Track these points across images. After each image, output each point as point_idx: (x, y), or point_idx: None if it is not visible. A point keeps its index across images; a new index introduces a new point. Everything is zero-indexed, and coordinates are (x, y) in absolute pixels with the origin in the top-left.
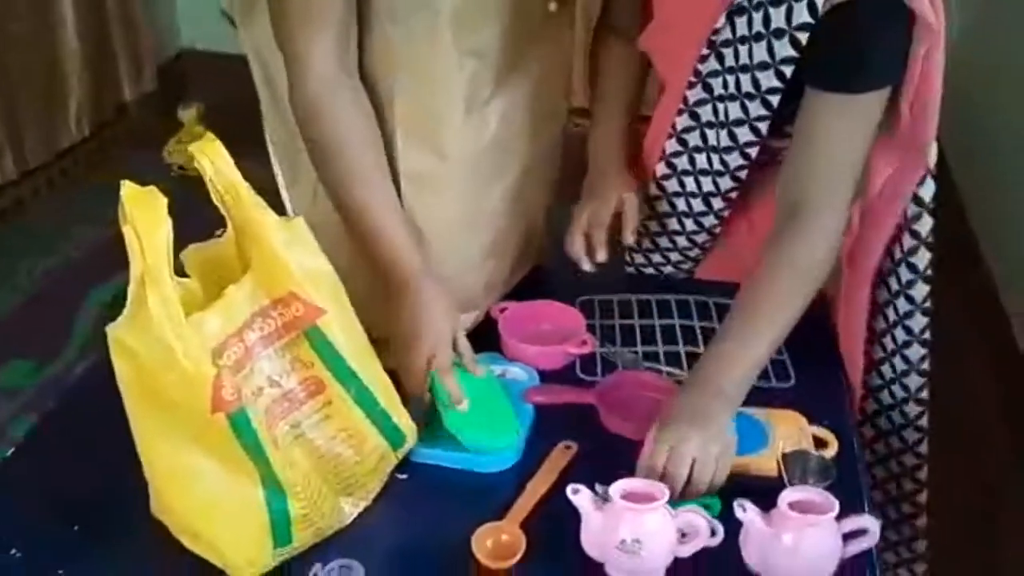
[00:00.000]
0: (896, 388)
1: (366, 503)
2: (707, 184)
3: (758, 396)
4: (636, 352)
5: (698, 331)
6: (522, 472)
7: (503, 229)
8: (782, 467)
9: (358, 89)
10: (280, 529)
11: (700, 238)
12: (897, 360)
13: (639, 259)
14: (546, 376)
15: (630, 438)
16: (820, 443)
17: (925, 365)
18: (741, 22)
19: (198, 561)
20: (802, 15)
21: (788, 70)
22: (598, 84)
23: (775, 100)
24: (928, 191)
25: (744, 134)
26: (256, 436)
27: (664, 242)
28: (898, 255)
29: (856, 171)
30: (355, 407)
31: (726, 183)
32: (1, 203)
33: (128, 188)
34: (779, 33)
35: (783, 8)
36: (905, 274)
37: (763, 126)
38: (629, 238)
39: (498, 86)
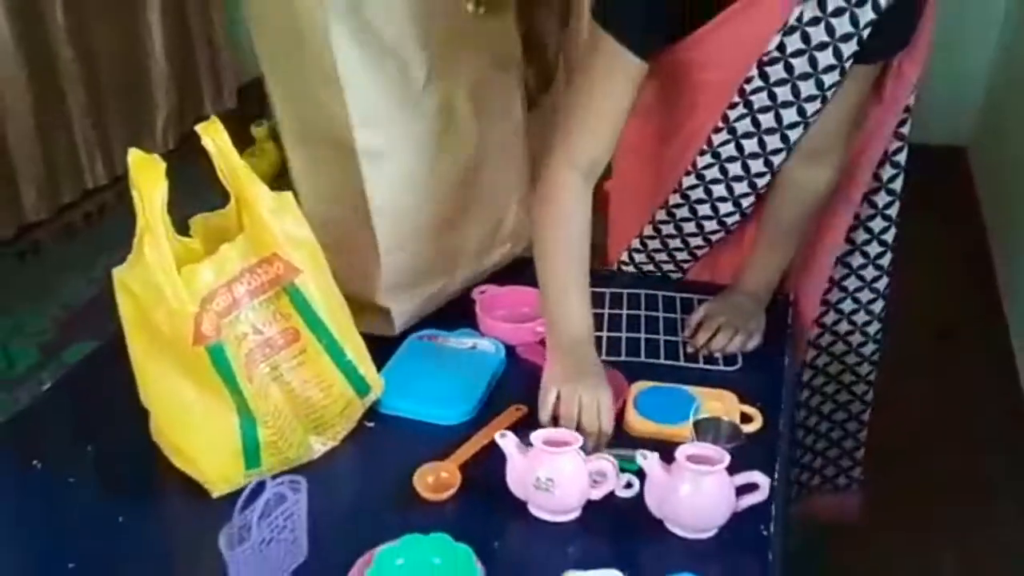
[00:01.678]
0: (857, 315)
1: (334, 443)
2: (740, 187)
3: (703, 377)
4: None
5: (662, 322)
6: (476, 426)
7: (459, 202)
8: (693, 432)
9: (590, 199)
10: (251, 453)
11: (716, 236)
12: (858, 286)
13: (640, 258)
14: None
15: None
16: (747, 419)
17: (879, 285)
18: (792, 39)
19: (183, 477)
20: (867, 15)
21: (848, 64)
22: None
23: (831, 93)
24: (906, 128)
25: (797, 132)
26: (231, 368)
27: (675, 243)
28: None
29: (853, 119)
30: (326, 356)
31: (765, 179)
32: (90, 206)
33: (134, 155)
34: (846, 37)
35: (846, 16)
36: (883, 198)
37: (817, 114)
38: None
39: (431, 77)
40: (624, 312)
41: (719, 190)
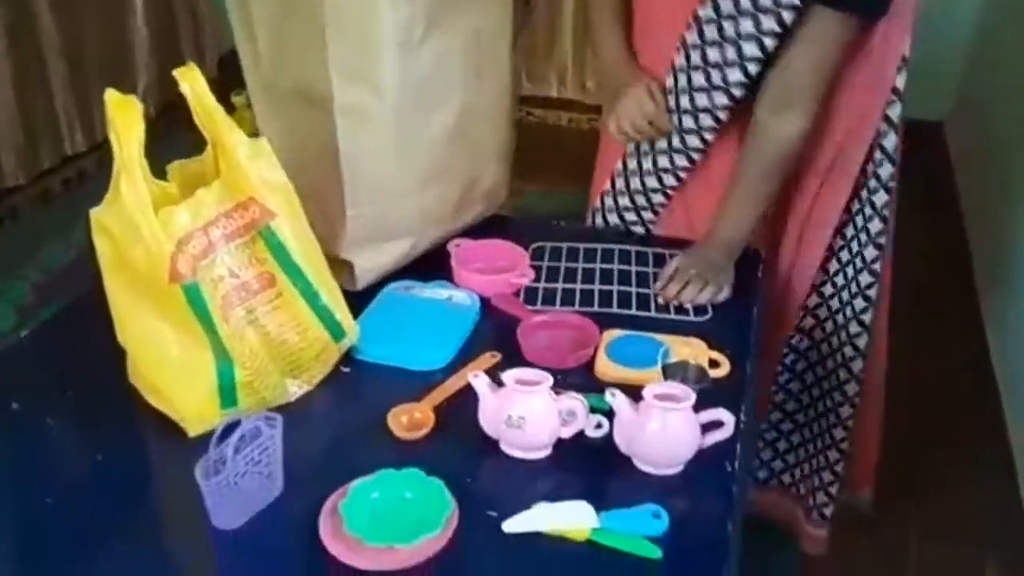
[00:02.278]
0: (845, 292)
1: (309, 387)
2: (706, 120)
3: (674, 327)
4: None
5: (634, 275)
6: (451, 373)
7: (442, 160)
8: (662, 375)
9: None
10: (227, 392)
11: (669, 180)
12: (854, 259)
13: (608, 203)
14: (488, 302)
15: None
16: (715, 365)
17: (877, 265)
18: None
19: (160, 417)
20: None
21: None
22: (593, 13)
23: (768, 41)
24: (895, 112)
25: (734, 74)
26: (207, 307)
27: (635, 184)
28: (869, 170)
29: (831, 72)
30: (301, 300)
31: (723, 115)
32: (69, 172)
33: (110, 95)
34: None
35: None
36: (872, 183)
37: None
38: (662, 116)
39: (431, 27)
40: (598, 266)
41: (687, 121)
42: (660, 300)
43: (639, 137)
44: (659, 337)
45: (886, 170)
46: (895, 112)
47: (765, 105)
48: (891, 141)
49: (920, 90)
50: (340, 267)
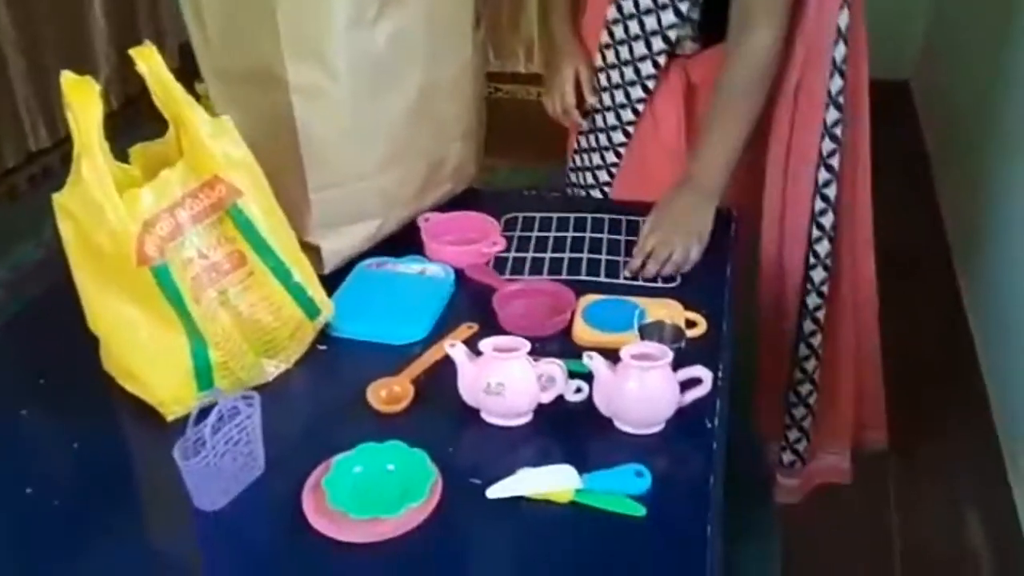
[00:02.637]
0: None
1: (287, 366)
2: (628, 73)
3: (648, 291)
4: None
5: (605, 243)
6: (428, 346)
7: (403, 140)
8: (639, 336)
9: None
10: (202, 374)
11: (617, 138)
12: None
13: (572, 178)
14: (462, 273)
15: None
16: (692, 325)
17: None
18: None
19: (137, 402)
20: None
21: None
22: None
23: None
24: (843, 21)
25: (667, 16)
26: (177, 289)
27: (593, 154)
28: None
29: None
30: (273, 278)
31: (647, 68)
32: (34, 169)
33: (66, 77)
34: None
35: None
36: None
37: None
38: (590, 97)
39: (385, 5)
40: (570, 235)
41: (615, 76)
42: (632, 276)
43: (565, 120)
44: (635, 300)
45: (835, 84)
46: (843, 22)
47: (735, 25)
48: (840, 53)
49: (885, 49)
50: (307, 251)
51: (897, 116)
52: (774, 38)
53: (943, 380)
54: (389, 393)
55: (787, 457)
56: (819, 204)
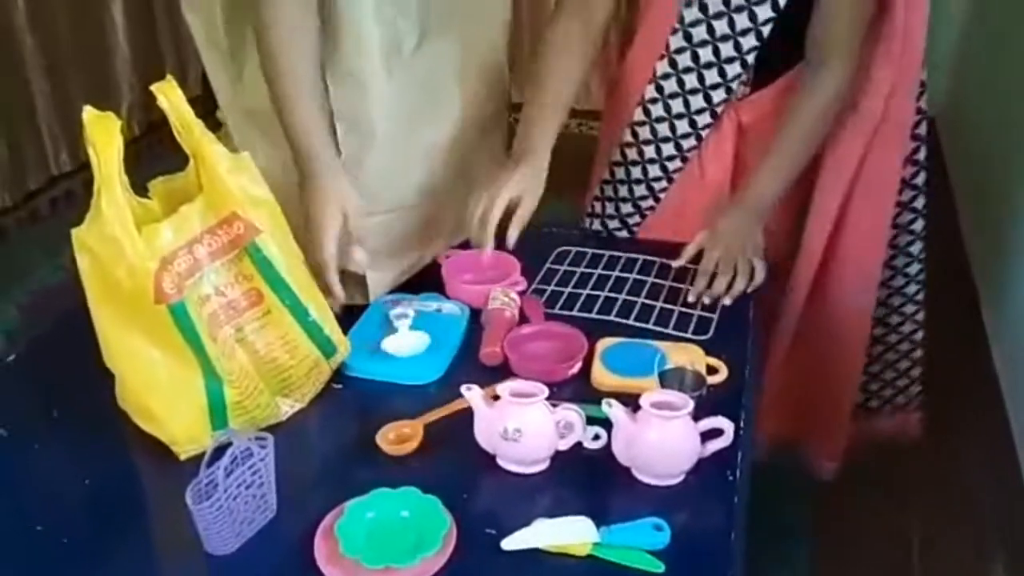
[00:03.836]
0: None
1: (301, 404)
2: (682, 126)
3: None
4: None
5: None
6: (444, 387)
7: (438, 171)
8: (659, 383)
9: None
10: (217, 412)
11: (659, 185)
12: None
13: (596, 208)
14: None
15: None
16: (713, 371)
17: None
18: None
19: (150, 440)
20: None
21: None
22: (543, 64)
23: (767, 30)
24: (924, 101)
25: (733, 68)
26: (194, 327)
27: (623, 191)
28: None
29: (864, 28)
30: (290, 316)
31: (704, 119)
32: (56, 192)
33: (88, 112)
34: None
35: None
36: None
37: (752, 54)
38: (513, 237)
39: (424, 38)
40: (597, 272)
41: (663, 129)
42: (691, 297)
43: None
44: (656, 344)
45: (922, 128)
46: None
47: (809, 59)
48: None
49: None
50: (349, 282)
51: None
52: (847, 75)
53: (968, 422)
54: (398, 435)
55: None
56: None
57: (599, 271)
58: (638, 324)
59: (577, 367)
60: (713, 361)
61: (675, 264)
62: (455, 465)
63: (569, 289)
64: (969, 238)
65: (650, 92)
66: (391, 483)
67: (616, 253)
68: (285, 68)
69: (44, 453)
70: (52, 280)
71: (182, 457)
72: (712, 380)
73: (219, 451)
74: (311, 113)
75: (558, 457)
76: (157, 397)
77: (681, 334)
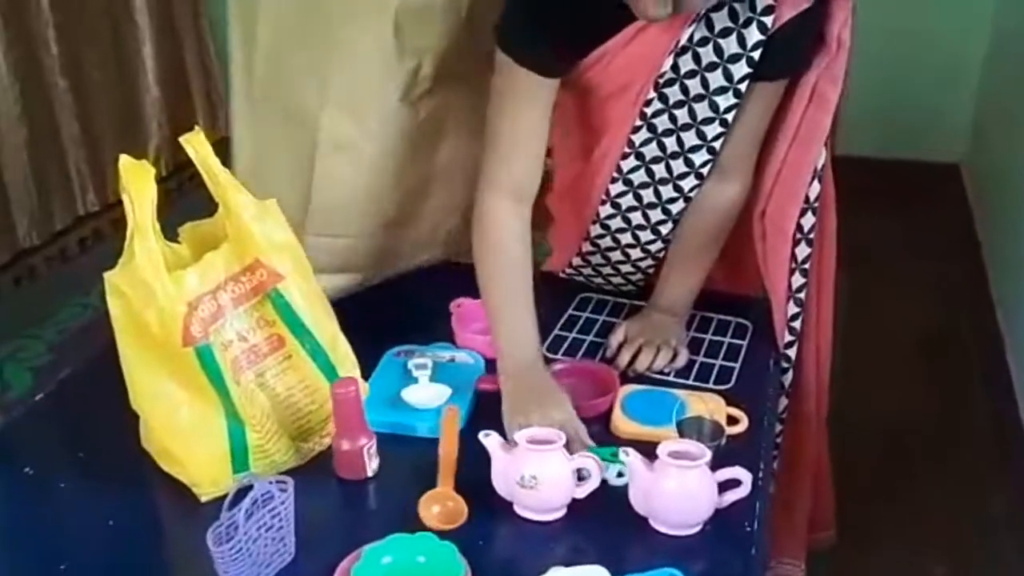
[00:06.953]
0: None
1: (320, 448)
2: (655, 214)
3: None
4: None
5: None
6: (460, 436)
7: (408, 209)
8: (677, 432)
9: (527, 219)
10: (238, 456)
11: (645, 263)
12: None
13: (588, 272)
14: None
15: None
16: (734, 421)
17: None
18: (685, 60)
19: (172, 482)
20: (755, 36)
21: (743, 86)
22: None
23: (731, 116)
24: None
25: (701, 156)
26: (219, 370)
27: (607, 270)
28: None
29: (760, 143)
30: (310, 362)
31: (678, 206)
32: (83, 232)
33: (124, 160)
34: (735, 58)
35: (733, 37)
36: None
37: (720, 138)
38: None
39: (436, 85)
40: (619, 320)
41: (636, 217)
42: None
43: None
44: (677, 392)
45: (807, 220)
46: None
47: (711, 177)
48: (814, 191)
49: (934, 132)
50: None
51: (947, 199)
52: (746, 186)
53: (992, 475)
54: (443, 509)
55: None
56: (792, 309)
57: (621, 320)
58: (658, 375)
59: (606, 404)
60: (734, 411)
61: (607, 354)
62: (472, 509)
63: (591, 337)
64: (997, 287)
65: (615, 188)
66: (408, 527)
67: (637, 302)
68: (502, 294)
69: (69, 492)
70: (81, 319)
71: (203, 499)
72: (732, 430)
73: (240, 493)
74: (529, 328)
75: (575, 505)
76: (180, 440)
77: (702, 384)
